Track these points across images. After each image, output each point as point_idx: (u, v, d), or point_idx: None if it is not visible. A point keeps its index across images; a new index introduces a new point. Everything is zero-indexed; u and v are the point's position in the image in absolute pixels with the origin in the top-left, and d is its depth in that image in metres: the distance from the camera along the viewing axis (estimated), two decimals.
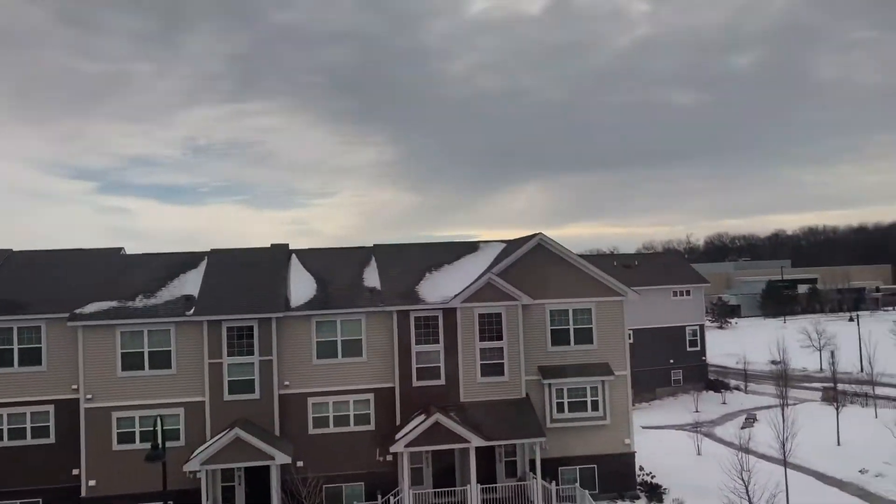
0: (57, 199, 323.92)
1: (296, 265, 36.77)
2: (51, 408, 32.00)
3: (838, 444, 44.10)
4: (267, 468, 30.50)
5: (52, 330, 32.13)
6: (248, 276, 34.95)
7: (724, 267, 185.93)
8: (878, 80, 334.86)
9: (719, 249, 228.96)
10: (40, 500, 31.79)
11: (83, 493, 31.27)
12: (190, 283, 34.53)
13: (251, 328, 32.41)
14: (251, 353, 32.34)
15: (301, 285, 34.90)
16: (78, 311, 31.94)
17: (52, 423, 31.94)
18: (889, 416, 45.43)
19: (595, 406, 34.56)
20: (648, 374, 64.43)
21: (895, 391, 58.82)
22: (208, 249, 37.36)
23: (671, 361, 68.84)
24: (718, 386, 69.82)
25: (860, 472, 39.32)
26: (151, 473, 27.81)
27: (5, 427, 31.75)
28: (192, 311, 32.34)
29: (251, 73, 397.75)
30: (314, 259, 37.52)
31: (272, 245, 38.51)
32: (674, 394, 68.28)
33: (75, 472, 31.59)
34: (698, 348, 70.62)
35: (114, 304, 32.68)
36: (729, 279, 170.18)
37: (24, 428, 31.88)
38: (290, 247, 38.47)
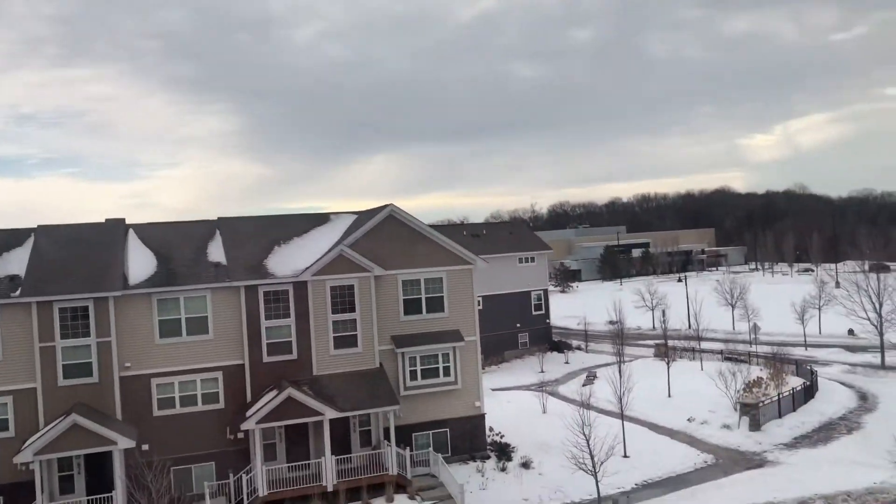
0: None
1: (134, 241, 34.83)
2: None
3: (669, 395, 47.59)
4: (109, 454, 29.01)
5: None
6: (80, 254, 32.72)
7: (566, 234, 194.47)
8: (702, 56, 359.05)
9: (561, 217, 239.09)
10: None
11: None
12: (15, 263, 31.93)
13: (86, 308, 30.49)
14: (87, 334, 30.47)
15: (140, 262, 33.15)
16: None
17: None
18: (713, 368, 49.46)
19: (447, 372, 35.34)
20: (497, 339, 66.65)
21: (718, 345, 64.02)
22: (35, 226, 34.62)
23: (518, 325, 71.46)
24: (562, 347, 73.32)
25: (688, 420, 42.69)
26: None
27: None
28: (17, 292, 29.98)
29: (80, 37, 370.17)
30: (154, 234, 35.69)
31: (107, 220, 36.21)
32: (521, 356, 71.04)
33: None
34: (543, 312, 73.71)
35: None
36: (570, 245, 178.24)
37: None
38: (130, 221, 36.37)
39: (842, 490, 30.72)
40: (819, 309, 72.24)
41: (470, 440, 35.88)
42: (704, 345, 62.59)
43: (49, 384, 29.90)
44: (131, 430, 29.81)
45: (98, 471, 29.98)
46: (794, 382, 46.69)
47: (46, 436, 27.79)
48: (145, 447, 30.33)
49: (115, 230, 35.12)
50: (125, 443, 28.48)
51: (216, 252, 34.60)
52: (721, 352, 58.70)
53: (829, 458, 35.85)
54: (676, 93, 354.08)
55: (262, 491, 30.01)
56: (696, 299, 70.23)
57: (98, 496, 28.73)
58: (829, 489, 30.87)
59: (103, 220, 36.14)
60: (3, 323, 29.82)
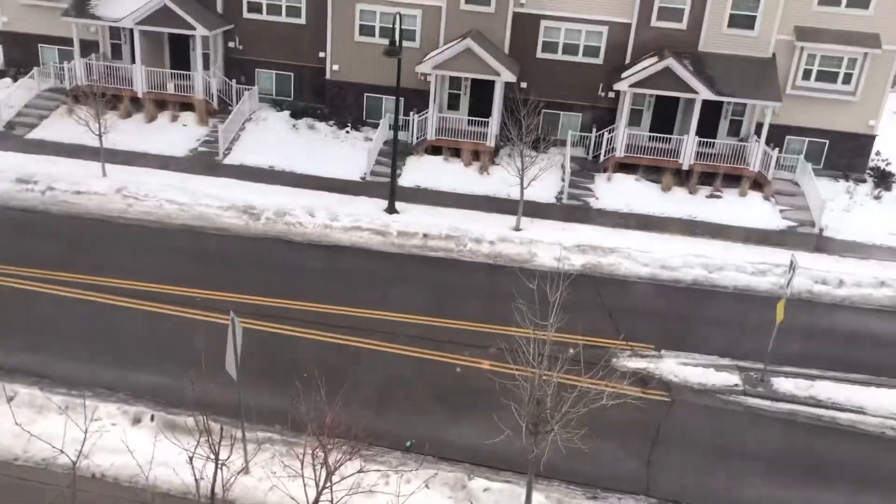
0: None
1: None
2: None
3: None
4: (491, 84, 31.45)
5: None
6: None
7: None
8: None
9: None
10: (292, 74, 35.34)
11: (327, 75, 34.23)
12: None
13: None
14: None
15: None
16: None
17: (303, 5, 33.95)
18: None
19: (847, 79, 31.42)
20: None
21: None
22: None
23: None
24: None
25: None
26: (387, 68, 29.64)
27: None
28: None
29: None
30: None
31: None
32: None
33: (321, 54, 34.26)
34: None
35: None
36: None
37: (299, 7, 33.86)
38: None
39: None
40: None
41: (848, 159, 32.74)
42: None
43: (452, 6, 32.03)
44: (514, 65, 31.62)
45: (480, 96, 32.78)
46: None
47: (443, 54, 30.68)
48: (523, 85, 32.15)
49: None
50: (507, 76, 30.49)
51: None
52: None
53: None
54: None
55: (620, 152, 31.04)
56: None
57: (476, 118, 31.93)
58: None
59: None
60: None
